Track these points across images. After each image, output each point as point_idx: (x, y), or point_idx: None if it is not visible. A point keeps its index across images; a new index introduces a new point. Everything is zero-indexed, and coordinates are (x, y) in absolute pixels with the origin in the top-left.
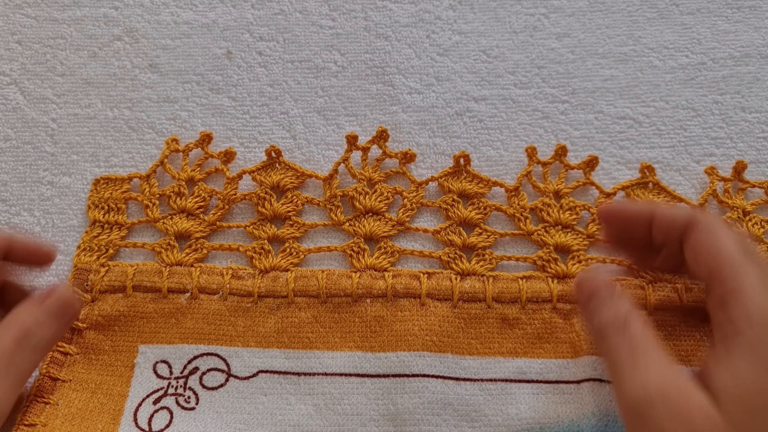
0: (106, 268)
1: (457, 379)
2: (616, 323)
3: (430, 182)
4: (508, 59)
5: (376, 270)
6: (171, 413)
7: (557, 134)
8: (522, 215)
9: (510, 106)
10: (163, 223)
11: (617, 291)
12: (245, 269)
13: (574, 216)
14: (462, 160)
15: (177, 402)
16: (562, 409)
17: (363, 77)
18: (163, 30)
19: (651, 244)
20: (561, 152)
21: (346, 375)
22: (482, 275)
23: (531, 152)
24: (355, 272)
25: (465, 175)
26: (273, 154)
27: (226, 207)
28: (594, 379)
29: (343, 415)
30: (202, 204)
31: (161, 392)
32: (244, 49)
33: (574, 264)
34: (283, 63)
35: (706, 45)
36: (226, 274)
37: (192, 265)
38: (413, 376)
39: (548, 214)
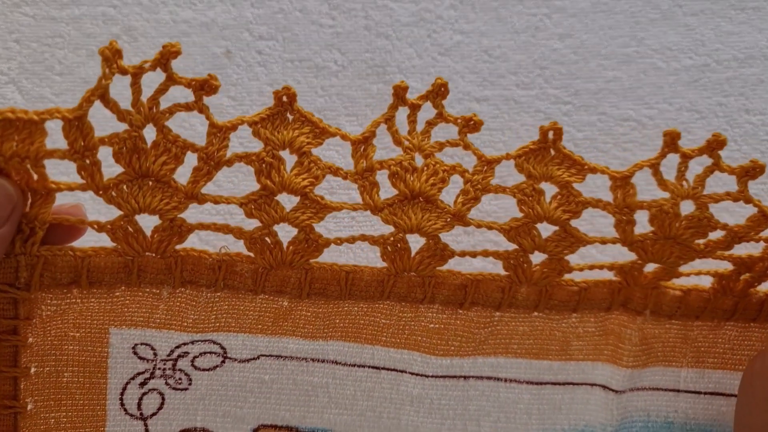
0: (41, 259)
1: (480, 377)
2: None
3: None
4: (510, 59)
5: (416, 275)
6: (162, 396)
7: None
8: (625, 216)
9: (512, 107)
10: (114, 195)
11: None
12: (242, 260)
13: (698, 234)
14: (552, 134)
15: (167, 383)
16: (583, 412)
17: (363, 76)
18: (161, 29)
19: None
20: (715, 145)
21: (359, 366)
22: (543, 288)
23: (671, 139)
24: (389, 277)
25: (554, 154)
26: (285, 99)
27: (212, 171)
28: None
29: (353, 399)
30: (172, 165)
31: (147, 374)
32: (244, 48)
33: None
34: (283, 62)
35: (710, 47)
36: (219, 269)
37: (170, 256)
38: (433, 376)
39: (665, 226)
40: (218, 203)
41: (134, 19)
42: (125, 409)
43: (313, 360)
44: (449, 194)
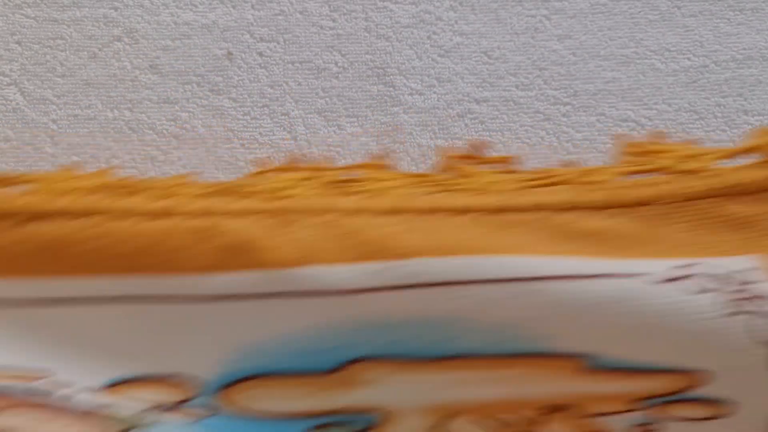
0: None
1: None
2: None
3: None
4: (509, 61)
5: None
6: None
7: (559, 136)
8: None
9: (511, 108)
10: None
11: None
12: None
13: None
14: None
15: None
16: None
17: (364, 78)
18: (163, 31)
19: None
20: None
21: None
22: None
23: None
24: None
25: None
26: None
27: None
28: None
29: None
30: None
31: None
32: (245, 50)
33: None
34: (284, 64)
35: (709, 47)
36: None
37: None
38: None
39: None
40: None
41: (135, 21)
42: None
43: None
44: None
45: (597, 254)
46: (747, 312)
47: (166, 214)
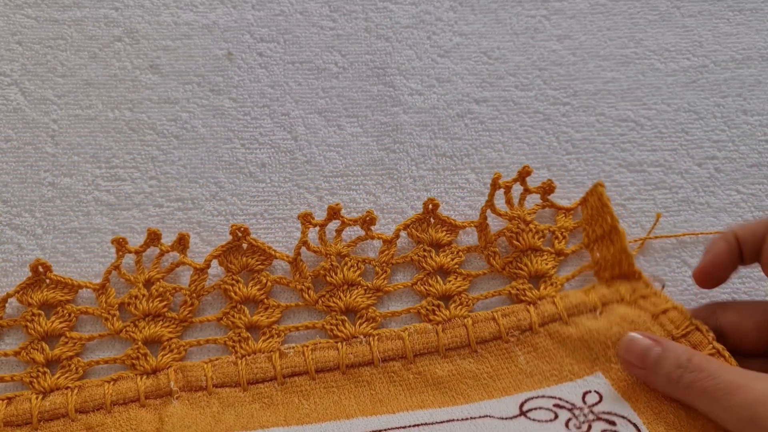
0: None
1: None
2: (684, 367)
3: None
4: (509, 61)
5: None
6: None
7: (558, 136)
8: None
9: (511, 108)
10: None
11: (663, 342)
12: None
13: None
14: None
15: None
16: None
17: (364, 78)
18: (163, 31)
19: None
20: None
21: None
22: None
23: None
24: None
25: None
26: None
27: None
28: None
29: None
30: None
31: None
32: (245, 51)
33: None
34: (284, 64)
35: (708, 47)
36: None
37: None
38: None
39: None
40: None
41: (136, 22)
42: None
43: None
44: None
45: (445, 402)
46: (602, 429)
47: None
